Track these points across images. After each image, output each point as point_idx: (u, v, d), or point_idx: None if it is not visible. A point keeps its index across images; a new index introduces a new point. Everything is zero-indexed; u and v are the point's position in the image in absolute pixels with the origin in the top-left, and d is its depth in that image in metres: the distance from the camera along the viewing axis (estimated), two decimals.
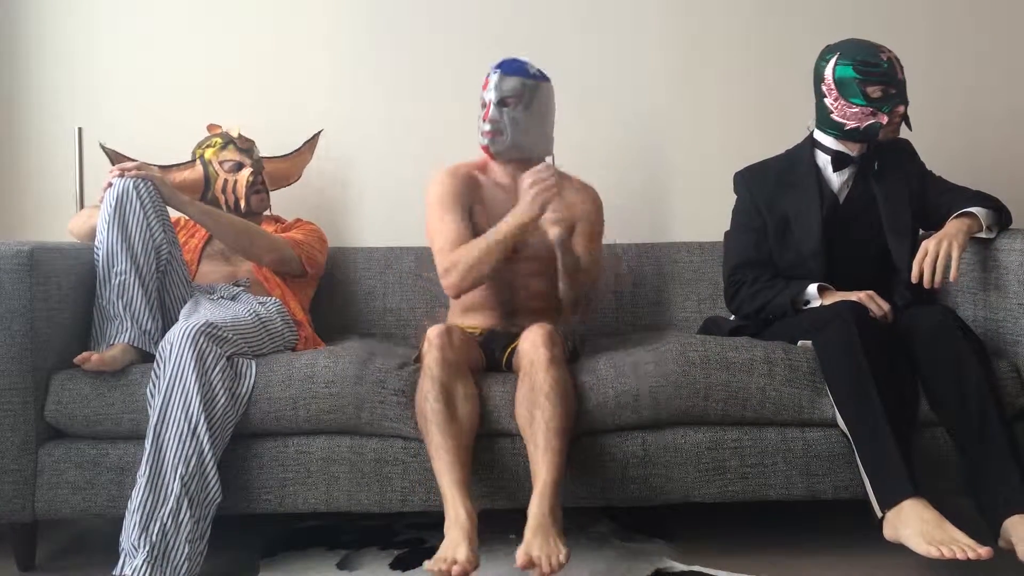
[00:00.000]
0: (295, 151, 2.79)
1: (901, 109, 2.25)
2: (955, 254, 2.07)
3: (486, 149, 2.34)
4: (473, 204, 2.33)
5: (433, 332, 2.05)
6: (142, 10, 2.89)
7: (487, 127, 2.30)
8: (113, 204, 2.13)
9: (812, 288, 2.21)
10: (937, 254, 2.08)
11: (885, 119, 2.24)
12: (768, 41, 2.92)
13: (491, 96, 2.30)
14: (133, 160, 2.56)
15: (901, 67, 2.27)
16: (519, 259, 2.28)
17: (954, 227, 2.13)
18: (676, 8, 2.93)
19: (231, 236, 2.37)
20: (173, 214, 2.33)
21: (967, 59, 2.91)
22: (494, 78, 2.31)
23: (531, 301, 2.33)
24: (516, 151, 2.32)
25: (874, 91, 2.24)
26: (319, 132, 2.83)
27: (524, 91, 2.29)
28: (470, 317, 2.34)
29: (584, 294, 2.30)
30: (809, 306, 2.21)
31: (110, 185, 2.18)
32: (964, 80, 2.90)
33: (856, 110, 2.25)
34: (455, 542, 1.79)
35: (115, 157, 2.58)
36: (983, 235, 2.19)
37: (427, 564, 1.77)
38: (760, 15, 2.92)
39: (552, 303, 2.33)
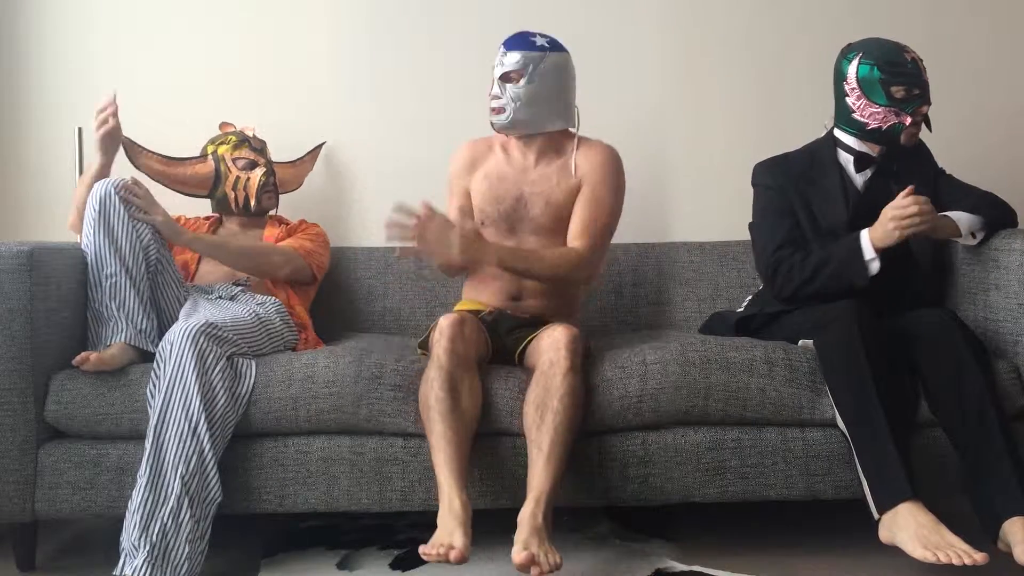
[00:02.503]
0: (298, 159, 2.80)
1: (924, 109, 2.23)
2: (919, 228, 2.09)
3: (493, 126, 2.34)
4: (478, 170, 2.37)
5: (445, 321, 2.04)
6: (142, 10, 2.89)
7: (490, 104, 2.31)
8: (96, 208, 2.13)
9: (863, 236, 2.14)
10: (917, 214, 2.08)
11: (908, 120, 2.23)
12: (769, 40, 2.92)
13: (496, 72, 2.31)
14: (147, 149, 2.58)
15: (924, 67, 2.25)
16: (521, 235, 2.30)
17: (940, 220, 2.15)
18: (676, 8, 2.93)
19: (244, 261, 2.39)
20: (173, 214, 2.33)
21: (968, 57, 2.91)
22: (499, 54, 2.31)
23: (538, 283, 2.29)
24: (518, 127, 2.32)
25: (898, 91, 2.22)
26: (322, 144, 2.83)
27: (527, 65, 2.28)
28: (481, 292, 2.33)
29: (579, 276, 2.30)
30: (867, 257, 2.14)
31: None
32: (967, 79, 2.90)
33: (878, 110, 2.24)
34: (450, 529, 1.78)
35: (130, 146, 2.58)
36: (961, 241, 2.19)
37: (423, 548, 1.75)
38: (760, 14, 2.92)
39: (564, 286, 2.33)
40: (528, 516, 1.81)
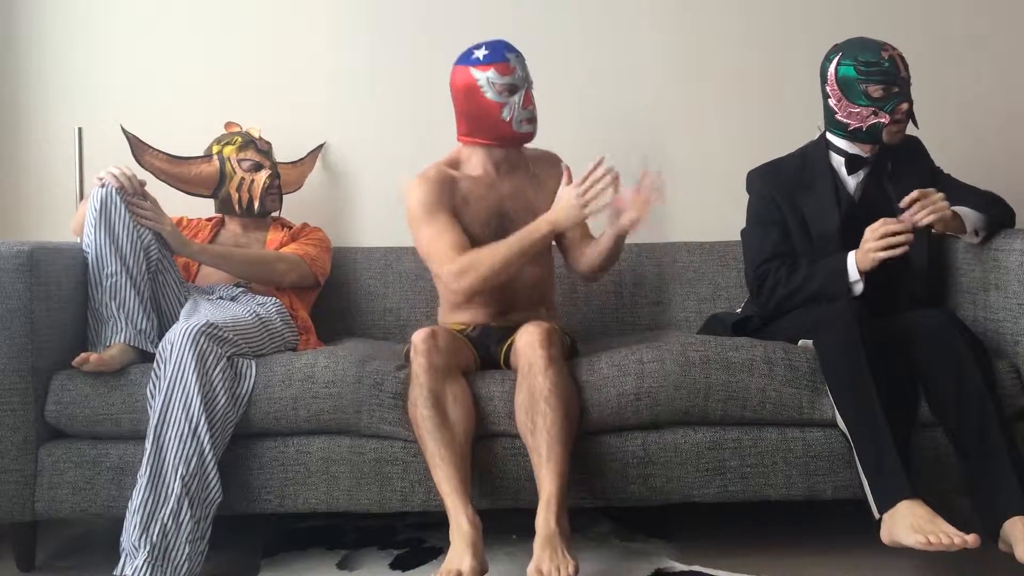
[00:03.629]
0: (299, 160, 2.80)
1: (904, 107, 2.23)
2: (895, 252, 2.08)
3: (527, 136, 2.26)
4: (455, 203, 2.24)
5: (418, 337, 2.02)
6: (142, 11, 2.89)
7: (529, 113, 2.23)
8: (98, 208, 2.13)
9: (850, 257, 2.16)
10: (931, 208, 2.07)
11: (887, 119, 2.23)
12: (768, 41, 2.92)
13: (526, 82, 2.24)
14: (152, 147, 2.57)
15: (905, 64, 2.24)
16: None
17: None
18: (675, 7, 2.93)
19: (248, 270, 2.39)
20: (175, 215, 2.33)
21: (967, 57, 2.91)
22: (516, 62, 2.23)
23: (526, 292, 2.29)
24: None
25: (875, 90, 2.22)
26: (322, 144, 2.83)
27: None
28: (461, 313, 2.29)
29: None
30: (852, 279, 2.16)
31: (102, 183, 2.17)
32: (965, 79, 2.90)
33: (858, 110, 2.24)
34: (459, 552, 1.79)
35: (135, 143, 2.58)
36: (965, 238, 2.19)
37: None
38: (760, 14, 2.92)
39: (547, 290, 2.34)
40: (541, 523, 1.82)
